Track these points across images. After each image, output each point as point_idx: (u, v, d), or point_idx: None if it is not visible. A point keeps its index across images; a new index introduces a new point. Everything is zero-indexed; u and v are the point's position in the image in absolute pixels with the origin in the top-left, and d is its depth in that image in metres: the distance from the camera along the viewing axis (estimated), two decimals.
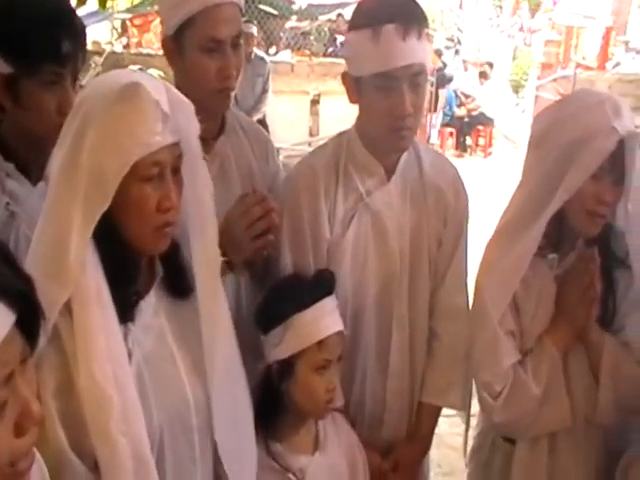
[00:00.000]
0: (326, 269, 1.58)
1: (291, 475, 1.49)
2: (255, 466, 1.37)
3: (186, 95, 1.23)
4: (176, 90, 1.22)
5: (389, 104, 1.53)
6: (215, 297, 1.29)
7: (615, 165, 1.47)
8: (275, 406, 1.51)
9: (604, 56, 12.82)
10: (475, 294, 1.62)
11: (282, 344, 1.47)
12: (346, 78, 1.60)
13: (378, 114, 1.55)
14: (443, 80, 10.72)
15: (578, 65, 11.05)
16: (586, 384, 1.59)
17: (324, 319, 1.48)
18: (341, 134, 1.70)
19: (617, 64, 12.45)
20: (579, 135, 1.46)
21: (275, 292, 1.55)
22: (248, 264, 1.65)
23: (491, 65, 11.39)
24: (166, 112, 1.15)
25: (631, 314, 1.60)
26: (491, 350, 1.56)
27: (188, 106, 1.22)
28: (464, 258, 1.74)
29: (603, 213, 1.52)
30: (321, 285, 1.52)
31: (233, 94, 1.66)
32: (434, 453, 1.90)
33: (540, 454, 1.60)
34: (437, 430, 1.81)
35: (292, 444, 1.52)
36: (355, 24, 1.57)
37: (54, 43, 1.44)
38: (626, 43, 12.59)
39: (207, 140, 1.63)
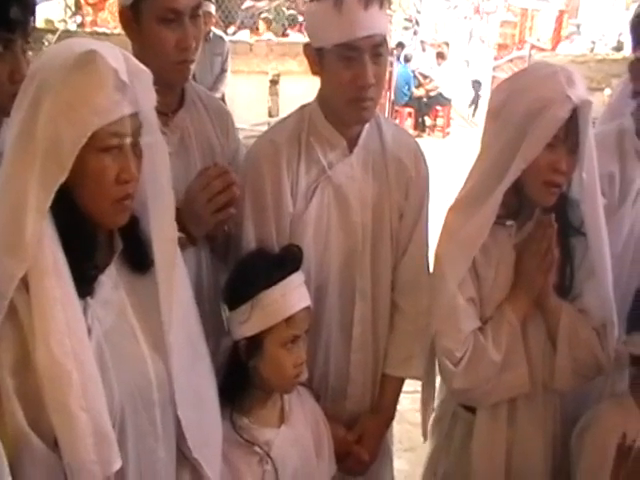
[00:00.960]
0: (293, 244, 1.57)
1: (257, 448, 1.48)
2: (220, 441, 1.36)
3: None
4: (135, 59, 1.19)
5: (351, 75, 1.52)
6: (173, 271, 1.26)
7: (570, 134, 1.50)
8: (242, 381, 1.51)
9: (557, 38, 13.08)
10: (435, 262, 1.63)
11: (250, 321, 1.46)
12: (308, 49, 1.59)
13: (340, 85, 1.54)
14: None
15: (533, 46, 11.20)
16: (544, 351, 1.62)
17: (292, 295, 1.48)
18: (303, 107, 1.69)
19: (570, 45, 12.70)
20: (534, 105, 1.47)
21: (242, 269, 1.54)
22: (209, 238, 1.63)
23: (448, 45, 11.45)
24: (125, 81, 1.13)
25: (587, 281, 1.64)
26: (451, 317, 1.57)
27: (147, 76, 1.19)
28: (425, 230, 1.75)
29: (559, 182, 1.54)
30: (288, 261, 1.51)
31: (192, 67, 1.63)
32: (395, 429, 1.92)
33: (500, 422, 1.63)
34: (398, 406, 1.83)
35: (258, 418, 1.52)
36: None
37: (2, 8, 1.39)
38: (578, 26, 12.81)
39: (166, 114, 1.61)
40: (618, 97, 2.10)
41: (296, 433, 1.54)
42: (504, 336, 1.59)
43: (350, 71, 1.52)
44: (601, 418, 1.55)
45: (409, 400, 1.87)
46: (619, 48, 11.52)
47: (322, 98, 1.65)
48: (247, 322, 1.46)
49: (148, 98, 1.19)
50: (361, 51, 1.50)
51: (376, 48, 1.52)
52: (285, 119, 1.72)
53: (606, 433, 1.48)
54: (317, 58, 1.57)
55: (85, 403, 1.10)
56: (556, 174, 1.52)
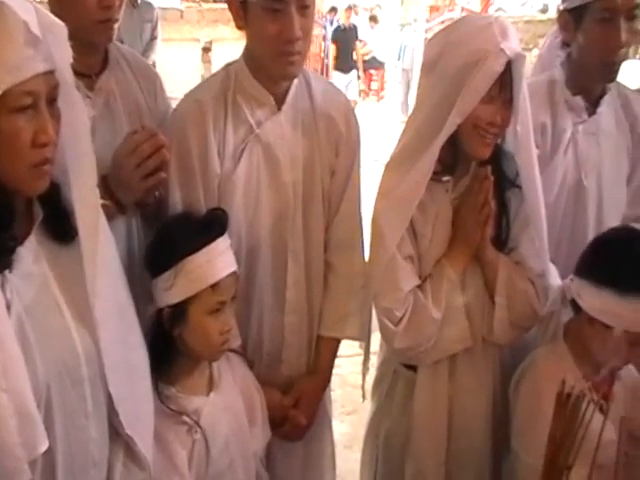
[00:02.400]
0: (218, 208, 1.51)
1: (185, 417, 1.44)
2: (152, 415, 1.32)
3: None
4: (47, 12, 1.11)
5: (277, 28, 1.47)
6: (97, 240, 1.20)
7: (504, 87, 1.49)
8: (167, 350, 1.46)
9: (486, 1, 13.26)
10: (372, 222, 1.61)
11: (174, 288, 1.40)
12: (232, 3, 1.52)
13: (266, 39, 1.49)
14: None
15: (463, 9, 11.30)
16: (483, 304, 1.63)
17: (217, 261, 1.42)
18: (228, 65, 1.63)
19: (499, 9, 12.91)
20: (469, 58, 1.46)
21: (165, 234, 1.47)
22: (140, 206, 1.57)
23: (380, 7, 11.44)
24: (37, 35, 1.04)
25: (522, 233, 1.64)
26: (390, 276, 1.56)
27: (62, 30, 1.10)
28: (358, 188, 1.72)
29: (494, 134, 1.53)
30: (213, 225, 1.46)
31: (116, 26, 1.54)
32: (337, 393, 1.92)
33: (441, 378, 1.64)
34: (339, 370, 1.82)
35: (186, 387, 1.47)
36: None
37: None
38: None
39: (89, 76, 1.54)
40: (548, 49, 2.11)
41: (226, 400, 1.51)
42: (443, 292, 1.59)
43: (276, 24, 1.46)
44: (536, 366, 1.57)
45: (350, 363, 1.87)
46: (545, 10, 11.76)
47: (248, 54, 1.59)
48: (171, 289, 1.41)
49: (63, 54, 1.10)
50: (287, 3, 1.45)
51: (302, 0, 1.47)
52: (210, 78, 1.66)
53: (541, 380, 1.50)
54: (242, 12, 1.51)
55: (5, 383, 1.04)
56: (491, 127, 1.51)
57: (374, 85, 11.19)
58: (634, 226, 1.65)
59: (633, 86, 2.49)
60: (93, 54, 1.55)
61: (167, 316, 1.43)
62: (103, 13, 1.48)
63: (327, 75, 10.47)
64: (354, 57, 10.16)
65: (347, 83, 9.48)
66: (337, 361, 1.80)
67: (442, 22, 10.59)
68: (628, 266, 1.44)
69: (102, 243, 1.21)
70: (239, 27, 1.55)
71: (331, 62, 9.96)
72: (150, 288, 1.45)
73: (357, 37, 10.16)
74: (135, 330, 1.31)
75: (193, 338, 1.44)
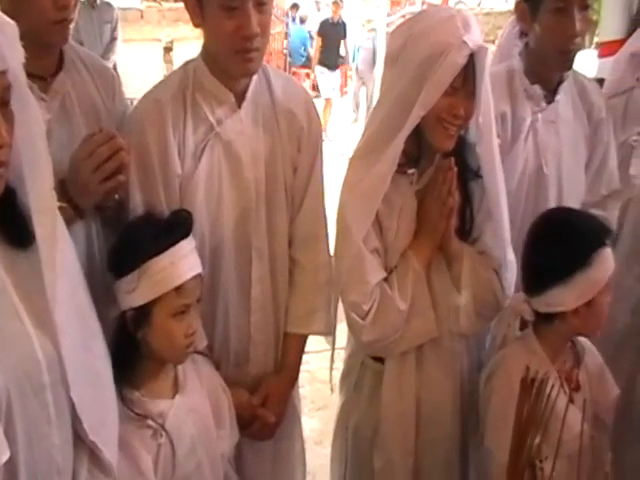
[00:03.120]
0: (182, 209, 1.50)
1: (150, 421, 1.42)
2: (117, 420, 1.30)
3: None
4: None
5: (235, 25, 1.45)
6: (55, 244, 1.17)
7: (467, 79, 1.50)
8: (131, 354, 1.44)
9: None
10: (338, 215, 1.60)
11: (137, 291, 1.38)
12: (188, 1, 1.51)
13: (224, 36, 1.48)
14: None
15: (424, 2, 11.36)
16: (448, 295, 1.63)
17: (181, 263, 1.40)
18: (187, 63, 1.61)
19: (459, 1, 13.01)
20: (432, 50, 1.46)
21: (128, 235, 1.45)
22: (100, 209, 1.55)
23: (342, 2, 11.44)
24: None
25: (486, 223, 1.66)
26: (357, 270, 1.56)
27: (12, 29, 1.07)
28: (321, 182, 1.71)
29: (458, 126, 1.54)
30: (177, 227, 1.44)
31: (71, 26, 1.51)
32: (307, 390, 1.92)
33: (408, 368, 1.64)
34: (308, 366, 1.82)
35: (150, 390, 1.45)
36: None
37: None
38: None
39: (44, 78, 1.51)
40: (506, 38, 2.14)
41: (192, 403, 1.49)
42: (409, 284, 1.59)
43: (233, 21, 1.45)
44: (507, 360, 1.58)
45: (319, 359, 1.87)
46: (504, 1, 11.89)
47: (206, 52, 1.57)
48: (134, 292, 1.39)
49: (15, 54, 1.07)
50: (244, 0, 1.43)
51: None
52: (169, 76, 1.64)
53: (513, 374, 1.49)
54: (198, 9, 1.49)
55: None
56: (454, 119, 1.52)
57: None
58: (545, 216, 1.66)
59: (589, 75, 2.54)
60: (48, 55, 1.52)
61: (131, 319, 1.41)
62: (58, 13, 1.45)
63: (289, 70, 10.45)
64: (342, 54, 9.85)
65: (333, 83, 9.19)
66: (306, 357, 1.79)
67: (403, 16, 10.65)
68: (577, 240, 1.50)
69: (61, 248, 1.18)
70: (196, 25, 1.53)
71: (315, 55, 9.61)
72: (113, 291, 1.43)
73: (345, 34, 9.77)
74: (97, 335, 1.28)
75: (157, 341, 1.42)
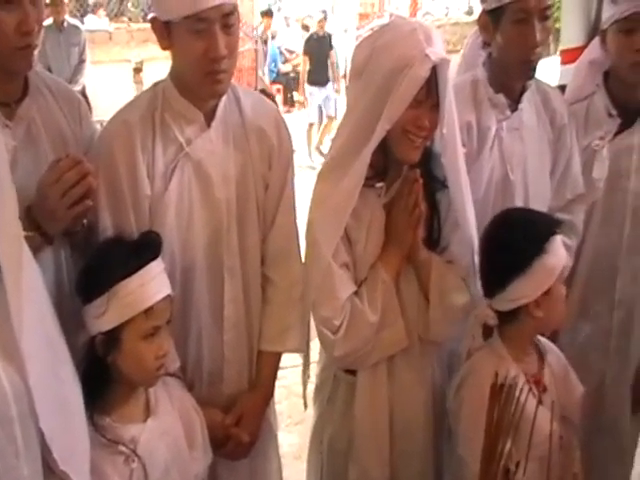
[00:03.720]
0: (150, 231, 1.50)
1: (122, 447, 1.41)
2: (88, 449, 1.27)
3: None
4: None
5: (202, 47, 1.47)
6: (20, 271, 1.15)
7: (430, 92, 1.52)
8: (101, 379, 1.43)
9: (414, 5, 13.54)
10: (307, 231, 1.61)
11: (106, 314, 1.38)
12: (155, 23, 1.52)
13: (192, 59, 1.49)
14: None
15: (392, 15, 11.48)
16: (418, 304, 1.65)
17: (151, 285, 1.40)
18: (155, 84, 1.62)
19: (426, 13, 13.18)
20: (395, 64, 1.49)
21: (97, 258, 1.45)
22: (68, 235, 1.53)
23: (311, 18, 11.51)
24: None
25: (453, 232, 1.68)
26: (327, 285, 1.57)
27: None
28: (292, 199, 1.72)
29: (423, 138, 1.56)
30: (146, 249, 1.44)
31: (36, 52, 1.51)
32: (283, 405, 1.91)
33: (380, 379, 1.65)
34: (284, 382, 1.82)
35: (121, 415, 1.44)
36: None
37: None
38: None
39: (8, 104, 1.50)
40: (470, 49, 2.16)
41: (164, 425, 1.48)
42: (379, 295, 1.60)
43: (201, 43, 1.47)
44: (476, 369, 1.60)
45: (295, 374, 1.86)
46: (470, 12, 12.07)
47: (175, 73, 1.58)
48: (103, 316, 1.38)
49: None
50: (210, 22, 1.45)
51: (226, 18, 1.48)
52: (137, 98, 1.64)
53: (482, 382, 1.50)
54: (166, 32, 1.50)
55: None
56: (419, 131, 1.54)
57: None
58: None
59: (552, 82, 2.59)
60: (12, 81, 1.51)
61: (100, 343, 1.40)
62: (22, 39, 1.43)
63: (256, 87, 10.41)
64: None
65: (323, 99, 8.81)
66: (282, 372, 1.79)
67: (371, 29, 10.74)
68: (531, 230, 1.55)
69: (27, 276, 1.15)
70: (164, 48, 1.54)
71: (304, 76, 9.20)
72: (82, 316, 1.42)
73: (331, 46, 9.28)
74: (66, 362, 1.26)
75: (128, 364, 1.41)
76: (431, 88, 1.52)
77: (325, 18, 9.60)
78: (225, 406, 1.69)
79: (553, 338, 1.76)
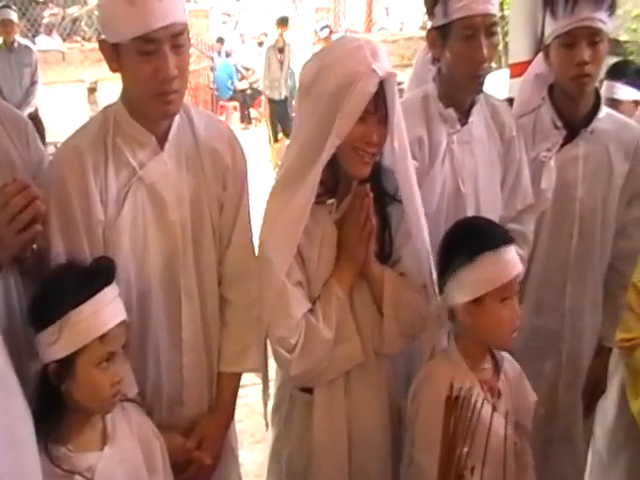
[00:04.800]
0: (104, 256, 1.48)
1: (78, 477, 1.38)
2: None
3: None
4: None
5: (152, 69, 1.46)
6: None
7: (378, 106, 1.55)
8: (55, 408, 1.40)
9: (369, 21, 13.70)
10: (260, 251, 1.61)
11: (59, 342, 1.36)
12: (103, 46, 1.51)
13: (142, 80, 1.48)
14: None
15: (347, 30, 11.60)
16: (372, 318, 1.67)
17: (105, 311, 1.39)
18: (106, 108, 1.61)
19: (381, 28, 13.36)
20: (343, 80, 1.50)
21: (48, 286, 1.43)
22: (18, 261, 1.51)
23: (266, 35, 11.56)
24: None
25: (405, 245, 1.70)
26: (281, 304, 1.57)
27: None
28: (248, 218, 1.72)
29: (372, 153, 1.58)
30: (99, 274, 1.42)
31: None
32: (246, 423, 1.89)
33: (337, 396, 1.65)
34: (246, 400, 1.80)
35: (77, 444, 1.42)
36: None
37: None
38: (386, 9, 13.47)
39: None
40: (420, 65, 2.20)
41: (122, 452, 1.46)
42: (334, 312, 1.61)
43: (150, 65, 1.46)
44: (432, 376, 1.61)
45: (257, 392, 1.85)
46: (424, 27, 12.24)
47: (125, 96, 1.57)
48: (56, 343, 1.36)
49: None
50: (160, 43, 1.45)
51: (176, 38, 1.47)
52: (88, 122, 1.63)
53: (438, 388, 1.52)
54: (114, 54, 1.49)
55: None
56: (368, 146, 1.56)
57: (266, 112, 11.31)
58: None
59: (502, 94, 2.65)
60: None
61: (53, 372, 1.38)
62: None
63: (217, 104, 10.37)
64: None
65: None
66: (243, 391, 1.78)
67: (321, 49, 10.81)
68: (465, 242, 1.58)
69: None
70: (113, 70, 1.53)
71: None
72: (34, 344, 1.40)
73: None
74: (16, 395, 1.22)
75: (82, 392, 1.39)
76: (379, 102, 1.54)
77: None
78: (186, 429, 1.68)
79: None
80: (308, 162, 1.55)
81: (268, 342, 1.65)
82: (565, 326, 2.12)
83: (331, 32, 9.49)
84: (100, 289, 1.39)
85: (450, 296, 1.59)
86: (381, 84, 1.52)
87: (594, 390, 2.19)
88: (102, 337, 1.38)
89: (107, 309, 1.39)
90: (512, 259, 1.56)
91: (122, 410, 1.51)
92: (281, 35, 9.13)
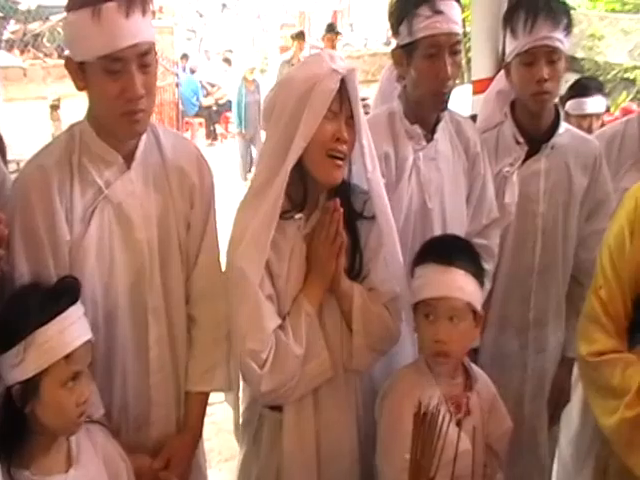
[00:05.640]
0: (68, 276, 1.47)
1: None
2: None
3: None
4: None
5: (119, 88, 1.46)
6: None
7: (343, 105, 1.58)
8: (18, 431, 1.38)
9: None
10: (231, 264, 1.60)
11: (24, 363, 1.34)
12: (69, 64, 1.50)
13: (108, 99, 1.48)
14: None
15: (313, 46, 11.67)
16: (340, 333, 1.67)
17: (70, 330, 1.38)
18: (71, 127, 1.60)
19: (346, 44, 13.49)
20: (305, 85, 1.54)
21: (12, 306, 1.40)
22: None
23: (231, 52, 11.60)
24: None
25: (373, 260, 1.72)
26: (255, 315, 1.56)
27: None
28: (215, 237, 1.72)
29: (344, 153, 1.60)
30: (64, 294, 1.41)
31: None
32: (214, 442, 1.87)
33: (306, 413, 1.65)
34: (213, 418, 1.79)
35: (42, 467, 1.40)
36: (73, 3, 1.46)
37: None
38: (351, 25, 13.60)
39: None
40: (386, 82, 2.23)
41: (87, 475, 1.44)
42: (303, 328, 1.61)
43: (117, 84, 1.46)
44: (397, 384, 1.64)
45: (224, 409, 1.84)
46: (388, 43, 12.41)
47: (91, 114, 1.56)
48: (20, 364, 1.34)
49: None
50: (126, 62, 1.45)
51: (143, 57, 1.47)
52: (53, 141, 1.62)
53: (401, 398, 1.56)
54: (80, 73, 1.49)
55: None
56: (340, 143, 1.58)
57: (232, 128, 11.32)
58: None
59: (465, 109, 2.70)
60: None
61: (18, 393, 1.36)
62: None
63: (182, 120, 10.32)
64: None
65: None
66: (211, 409, 1.77)
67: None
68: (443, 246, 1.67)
69: None
70: (80, 89, 1.52)
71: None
72: None
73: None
74: None
75: (47, 413, 1.37)
76: (343, 101, 1.57)
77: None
78: (153, 449, 1.66)
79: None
80: (275, 170, 1.57)
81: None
82: (529, 338, 2.15)
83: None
84: (65, 308, 1.38)
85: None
86: (343, 84, 1.55)
87: (558, 400, 2.23)
88: (67, 357, 1.36)
89: (72, 328, 1.38)
90: (442, 280, 1.60)
91: (87, 432, 1.49)
92: (300, 49, 8.77)
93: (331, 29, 9.07)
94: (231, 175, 8.94)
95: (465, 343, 1.64)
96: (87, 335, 1.42)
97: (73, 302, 1.41)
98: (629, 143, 2.28)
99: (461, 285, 1.60)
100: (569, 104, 3.21)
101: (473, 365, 1.71)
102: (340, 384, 1.68)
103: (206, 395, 1.75)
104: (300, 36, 9.04)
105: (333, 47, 8.83)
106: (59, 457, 1.43)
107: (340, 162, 1.60)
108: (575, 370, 2.26)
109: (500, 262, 2.11)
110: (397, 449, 1.28)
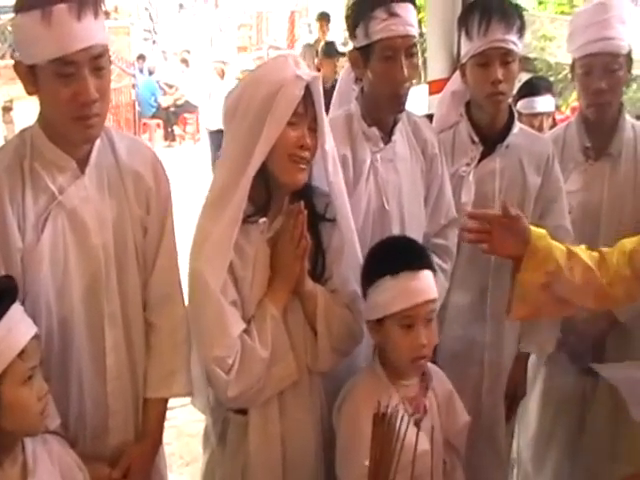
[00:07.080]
0: (3, 276, 1.44)
1: None
2: None
3: None
4: None
5: (71, 92, 1.43)
6: None
7: (308, 111, 1.58)
8: None
9: (292, 37, 13.83)
10: (193, 270, 1.58)
11: None
12: (19, 67, 1.47)
13: (61, 104, 1.45)
14: None
15: (270, 46, 11.69)
16: (304, 335, 1.68)
17: (18, 327, 1.36)
18: (22, 132, 1.57)
19: (305, 45, 13.46)
20: (269, 89, 1.54)
21: None
22: None
23: (189, 52, 11.52)
24: None
25: (335, 262, 1.73)
26: (219, 322, 1.55)
27: None
28: (172, 242, 1.70)
29: (307, 158, 1.60)
30: (4, 294, 1.38)
31: None
32: (174, 446, 1.86)
33: (272, 416, 1.65)
34: (175, 422, 1.77)
35: None
36: (22, 5, 1.43)
37: None
38: (309, 25, 13.61)
39: None
40: (344, 84, 2.24)
41: None
42: (269, 331, 1.61)
43: (69, 88, 1.43)
44: (354, 389, 1.64)
45: (185, 412, 1.82)
46: (346, 43, 12.41)
47: (43, 119, 1.53)
48: None
49: None
50: (79, 65, 1.42)
51: (96, 60, 1.45)
52: (3, 147, 1.58)
53: (359, 403, 1.56)
54: (31, 77, 1.46)
55: None
56: (302, 150, 1.58)
57: (190, 129, 11.23)
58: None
59: (421, 108, 2.72)
60: None
61: None
62: None
63: (139, 121, 10.22)
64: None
65: None
66: (172, 413, 1.76)
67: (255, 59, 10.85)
68: (370, 265, 1.66)
69: None
70: (30, 93, 1.49)
71: None
72: None
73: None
74: None
75: (12, 416, 1.35)
76: (307, 106, 1.58)
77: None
78: (112, 458, 1.64)
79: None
80: (237, 174, 1.56)
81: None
82: (487, 333, 2.18)
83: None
84: (8, 307, 1.36)
85: (364, 312, 1.65)
86: (307, 90, 1.56)
87: (515, 393, 2.27)
88: (21, 354, 1.35)
89: (20, 325, 1.37)
90: (416, 286, 1.59)
91: (43, 442, 1.47)
92: (324, 32, 8.35)
93: (323, 16, 8.85)
94: (190, 177, 8.87)
95: (435, 341, 1.66)
96: (33, 329, 1.40)
97: (14, 300, 1.39)
98: (570, 147, 2.34)
99: (431, 284, 1.62)
100: (520, 103, 3.27)
101: (428, 362, 1.72)
102: (305, 386, 1.68)
103: (165, 401, 1.73)
104: (325, 17, 8.64)
105: (324, 32, 8.62)
106: (14, 470, 1.41)
107: (303, 166, 1.61)
108: (531, 368, 2.31)
109: (457, 260, 2.13)
110: (356, 456, 1.28)
